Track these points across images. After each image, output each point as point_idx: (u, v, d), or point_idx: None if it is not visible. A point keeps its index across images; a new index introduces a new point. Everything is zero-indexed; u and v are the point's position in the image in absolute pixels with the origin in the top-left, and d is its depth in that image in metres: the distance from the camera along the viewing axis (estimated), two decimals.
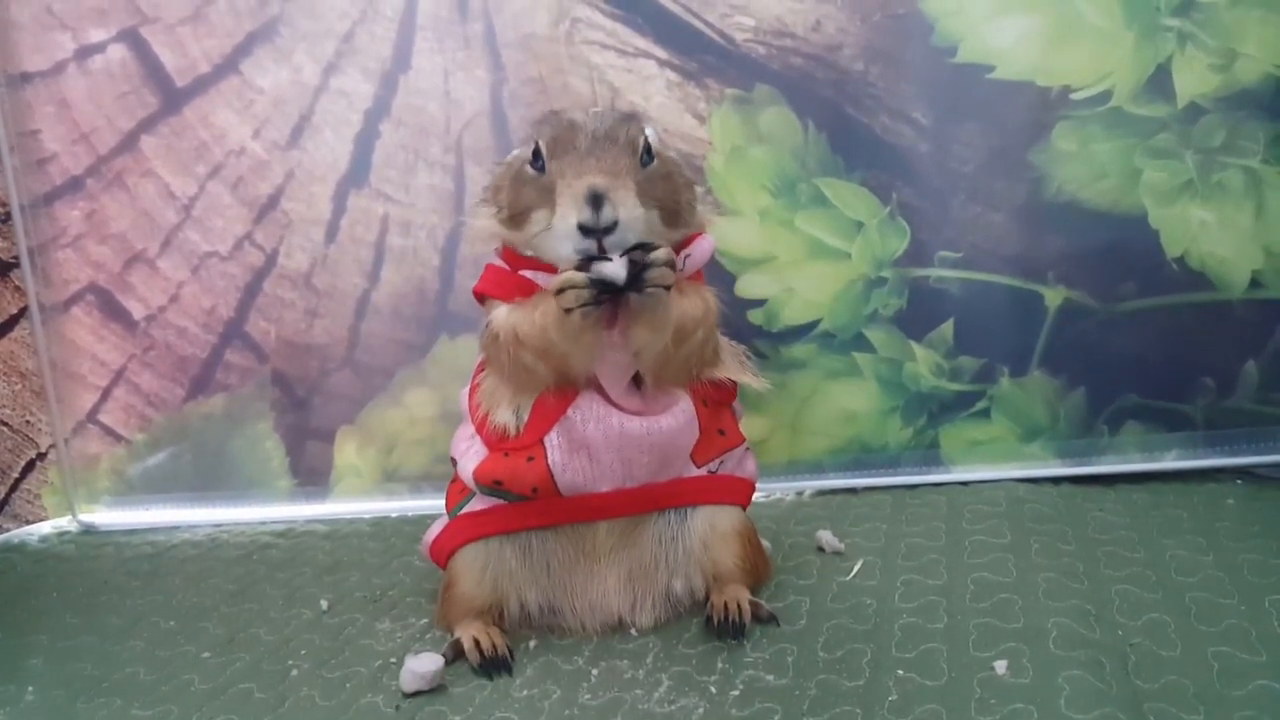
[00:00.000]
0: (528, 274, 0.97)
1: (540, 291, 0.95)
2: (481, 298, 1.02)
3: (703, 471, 1.01)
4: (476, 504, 1.01)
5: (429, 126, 1.37)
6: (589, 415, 0.95)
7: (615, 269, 0.87)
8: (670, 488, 1.00)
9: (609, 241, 0.88)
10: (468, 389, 1.05)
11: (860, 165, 1.29)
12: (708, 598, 1.01)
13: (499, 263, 1.01)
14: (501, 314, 0.96)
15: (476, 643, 0.96)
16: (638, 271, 0.87)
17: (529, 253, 0.97)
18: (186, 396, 1.47)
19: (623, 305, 0.89)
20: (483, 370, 1.03)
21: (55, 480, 1.53)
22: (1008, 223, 1.28)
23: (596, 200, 0.87)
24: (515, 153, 1.03)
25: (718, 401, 1.02)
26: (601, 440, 0.95)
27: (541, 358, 0.94)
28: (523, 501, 0.98)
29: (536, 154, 0.95)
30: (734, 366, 1.03)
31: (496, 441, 0.99)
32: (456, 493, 1.05)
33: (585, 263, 0.87)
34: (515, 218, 0.96)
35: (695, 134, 1.31)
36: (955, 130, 1.27)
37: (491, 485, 0.98)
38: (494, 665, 0.95)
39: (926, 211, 1.29)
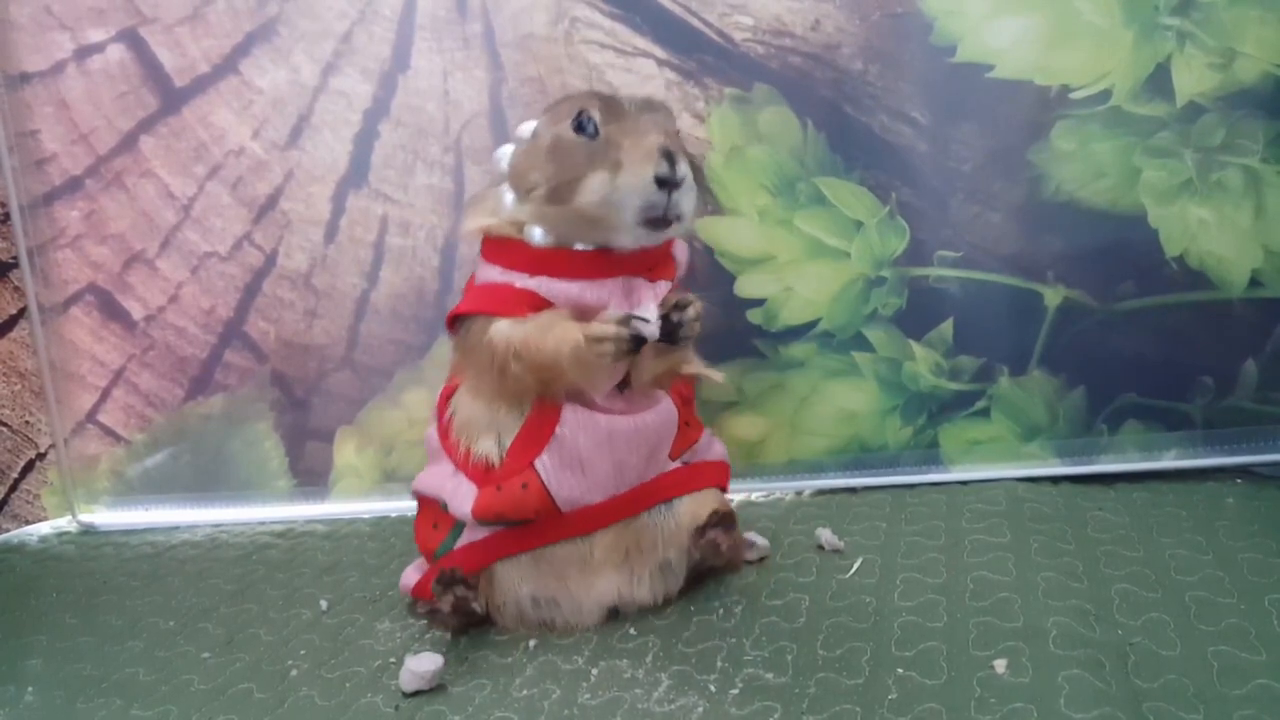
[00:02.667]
0: (532, 285, 0.96)
1: (550, 311, 0.95)
2: (457, 320, 1.01)
3: (678, 464, 1.05)
4: (469, 534, 1.02)
5: (428, 127, 1.37)
6: (576, 427, 0.97)
7: (652, 329, 0.92)
8: (655, 484, 1.02)
9: (675, 196, 0.92)
10: (435, 429, 1.05)
11: (859, 165, 1.29)
12: (698, 570, 1.05)
13: (490, 276, 1.00)
14: (502, 328, 0.96)
15: (453, 604, 0.98)
16: (672, 328, 0.94)
17: (546, 240, 0.96)
18: (186, 397, 1.47)
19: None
20: (447, 404, 1.03)
21: (55, 480, 1.53)
22: (1007, 222, 1.28)
23: (669, 155, 0.91)
24: (524, 137, 1.01)
25: (686, 398, 1.06)
26: (592, 449, 0.97)
27: (535, 373, 0.95)
28: (522, 525, 0.99)
29: (585, 122, 0.95)
30: (699, 362, 1.07)
31: (482, 475, 0.99)
32: (430, 528, 1.05)
33: (625, 320, 0.92)
34: (561, 189, 0.94)
35: (694, 133, 1.31)
36: (954, 129, 1.27)
37: (494, 520, 0.99)
38: (466, 612, 0.98)
39: (926, 211, 1.29)
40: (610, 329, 0.91)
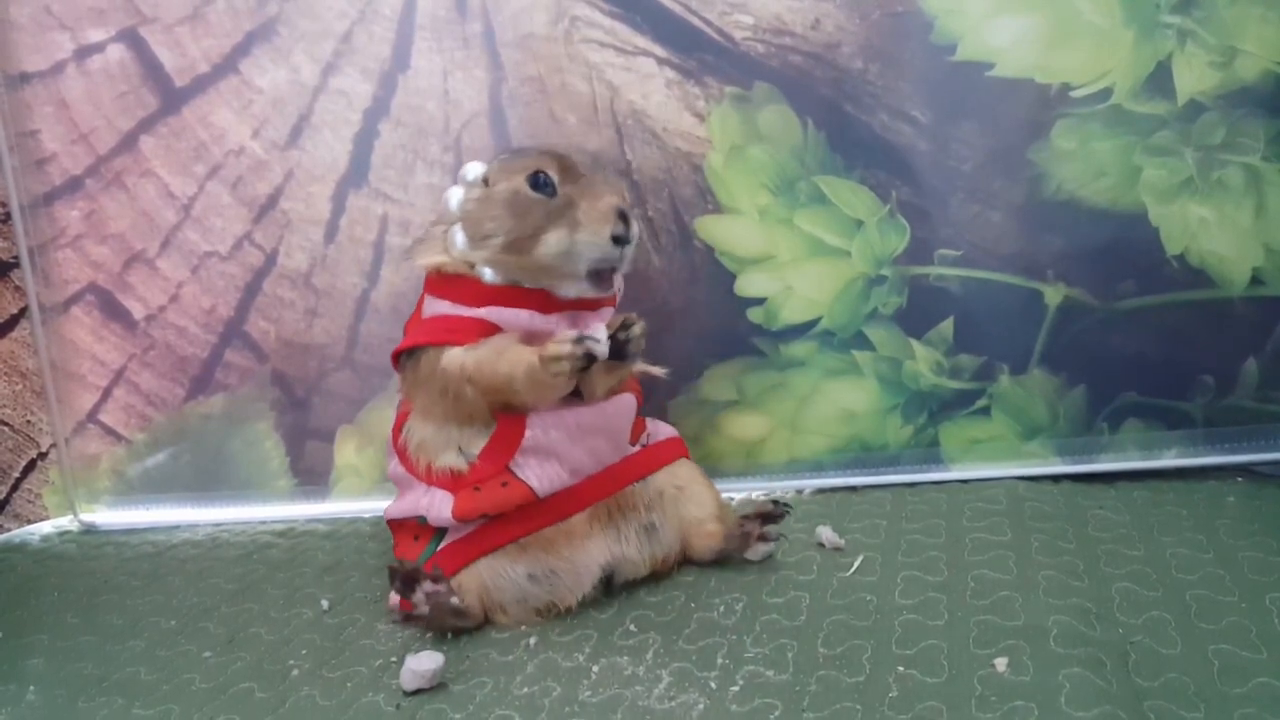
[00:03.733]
0: (481, 314, 1.02)
1: (500, 335, 1.01)
2: (404, 354, 1.06)
3: (638, 448, 1.12)
4: (451, 536, 1.05)
5: (428, 126, 1.37)
6: (546, 425, 1.02)
7: (603, 348, 0.98)
8: (626, 465, 1.08)
9: (625, 250, 1.01)
10: (396, 463, 1.09)
11: (859, 163, 1.29)
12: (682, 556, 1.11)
13: (439, 309, 1.04)
14: (455, 355, 1.01)
15: (431, 605, 1.00)
16: (620, 345, 1.00)
17: (496, 279, 1.03)
18: (186, 396, 1.47)
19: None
20: (399, 432, 1.08)
21: (56, 480, 1.53)
22: (1007, 221, 1.28)
23: (624, 216, 1.01)
24: (470, 180, 1.07)
25: (635, 393, 1.12)
26: (564, 440, 1.02)
27: (488, 395, 1.01)
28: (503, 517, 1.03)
29: (543, 182, 1.02)
30: (644, 362, 1.12)
31: (452, 482, 1.03)
32: (410, 540, 1.08)
33: (579, 340, 0.97)
34: (519, 242, 1.02)
35: (694, 132, 1.31)
36: (955, 128, 1.27)
37: (476, 518, 1.03)
38: (451, 610, 1.01)
39: (926, 210, 1.29)
40: (565, 348, 0.96)
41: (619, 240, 1.00)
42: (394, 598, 1.08)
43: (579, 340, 0.96)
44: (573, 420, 1.03)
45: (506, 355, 0.99)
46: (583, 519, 1.05)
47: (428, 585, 1.00)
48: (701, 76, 1.30)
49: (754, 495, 1.35)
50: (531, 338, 1.02)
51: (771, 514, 1.09)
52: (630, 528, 1.07)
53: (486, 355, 1.00)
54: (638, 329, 1.02)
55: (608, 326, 1.04)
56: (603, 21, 1.31)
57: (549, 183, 1.02)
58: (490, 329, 1.02)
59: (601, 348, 0.97)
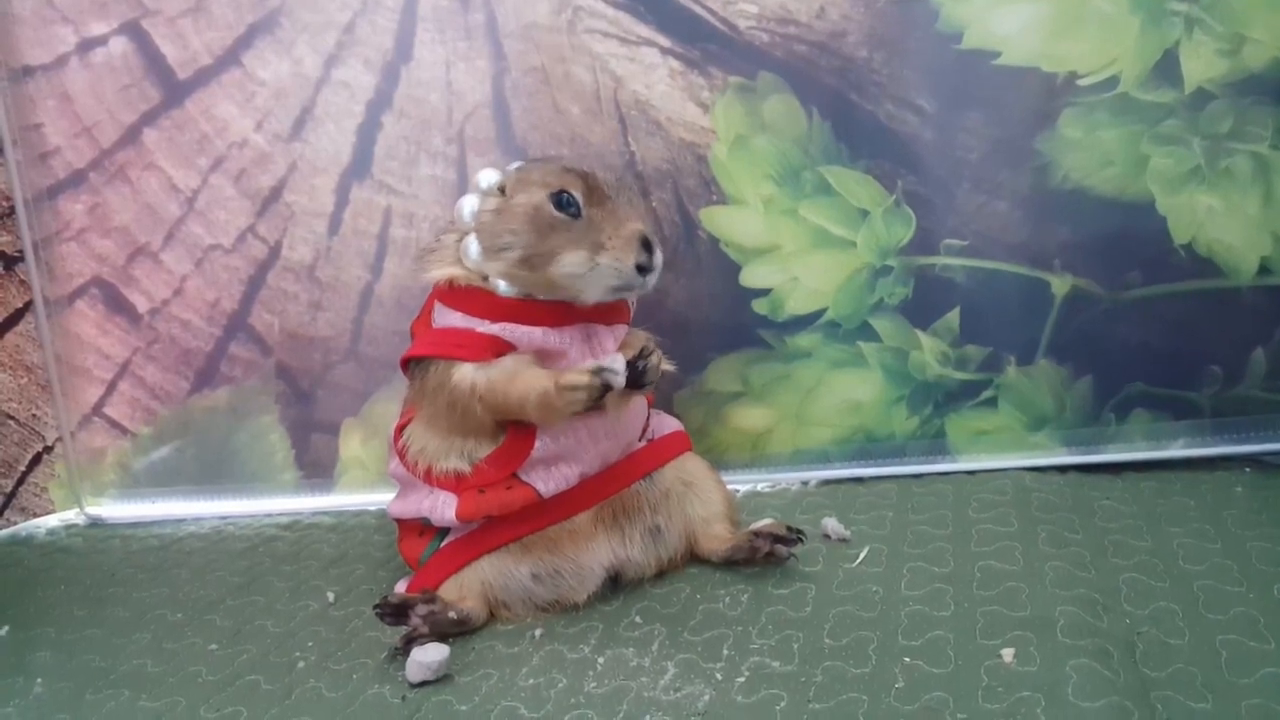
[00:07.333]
0: (495, 330, 1.00)
1: (514, 355, 1.00)
2: (413, 361, 1.04)
3: (644, 443, 1.11)
4: (453, 535, 1.05)
5: (431, 118, 1.36)
6: (557, 431, 1.01)
7: (620, 380, 0.97)
8: (631, 462, 1.08)
9: (648, 278, 1.00)
10: (397, 462, 1.08)
11: (865, 153, 1.29)
12: (690, 551, 1.10)
13: (451, 321, 1.03)
14: (466, 372, 1.00)
15: (430, 624, 0.99)
16: (637, 374, 0.98)
17: (510, 292, 1.02)
18: (191, 390, 1.48)
19: None
20: (400, 437, 1.07)
21: (61, 474, 1.53)
22: (1014, 210, 1.27)
23: (648, 244, 1.00)
24: (484, 188, 1.06)
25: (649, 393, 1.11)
26: (574, 444, 1.02)
27: (497, 414, 1.00)
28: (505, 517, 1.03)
29: (568, 201, 1.00)
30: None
31: (455, 483, 1.03)
32: (415, 536, 1.08)
33: (597, 371, 0.96)
34: (538, 258, 1.00)
35: (699, 123, 1.31)
36: (960, 117, 1.26)
37: (481, 520, 1.02)
38: (451, 621, 1.00)
39: (932, 200, 1.28)
40: (584, 379, 0.95)
41: (643, 269, 0.99)
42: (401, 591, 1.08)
43: (597, 371, 0.95)
44: (584, 427, 1.02)
45: (520, 378, 0.98)
46: (587, 519, 1.04)
47: (421, 609, 0.99)
48: (705, 66, 1.30)
49: (759, 487, 1.35)
50: (544, 354, 1.01)
51: (785, 538, 1.06)
52: (635, 530, 1.06)
53: (499, 377, 0.98)
54: (654, 359, 1.01)
55: (624, 346, 1.03)
56: (606, 11, 1.30)
57: (574, 203, 1.01)
58: (503, 346, 1.01)
59: (619, 379, 0.96)
